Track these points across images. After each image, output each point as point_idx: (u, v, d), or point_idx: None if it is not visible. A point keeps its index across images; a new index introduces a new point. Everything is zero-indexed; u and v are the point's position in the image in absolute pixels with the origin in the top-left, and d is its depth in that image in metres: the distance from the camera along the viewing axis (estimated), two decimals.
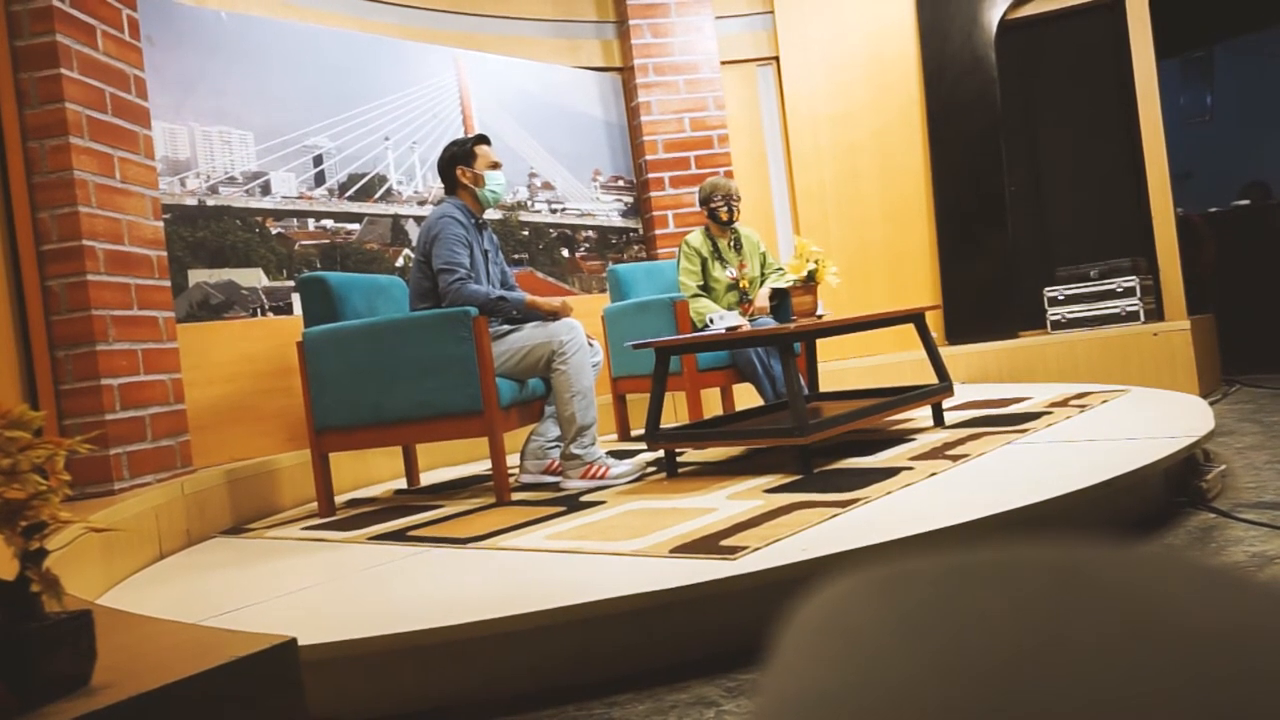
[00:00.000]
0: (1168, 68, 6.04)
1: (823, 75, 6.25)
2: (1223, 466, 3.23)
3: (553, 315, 3.61)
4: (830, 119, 6.24)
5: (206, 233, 4.15)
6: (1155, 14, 5.79)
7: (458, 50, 5.34)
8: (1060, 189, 6.28)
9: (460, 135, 5.14)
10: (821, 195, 6.24)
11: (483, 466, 4.40)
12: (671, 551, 2.26)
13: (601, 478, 3.48)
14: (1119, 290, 5.56)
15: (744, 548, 2.18)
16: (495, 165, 3.77)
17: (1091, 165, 6.18)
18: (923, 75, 6.17)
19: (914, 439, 3.62)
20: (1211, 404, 4.16)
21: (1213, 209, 6.93)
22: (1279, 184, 6.79)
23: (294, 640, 1.18)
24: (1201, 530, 2.67)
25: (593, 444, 3.53)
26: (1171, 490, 2.92)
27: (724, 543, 2.26)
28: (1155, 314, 5.66)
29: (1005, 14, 6.04)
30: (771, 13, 6.29)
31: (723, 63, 6.21)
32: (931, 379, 3.94)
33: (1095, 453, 2.91)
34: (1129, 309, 5.53)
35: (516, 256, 5.47)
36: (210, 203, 4.18)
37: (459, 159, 3.73)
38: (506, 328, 3.62)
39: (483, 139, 3.80)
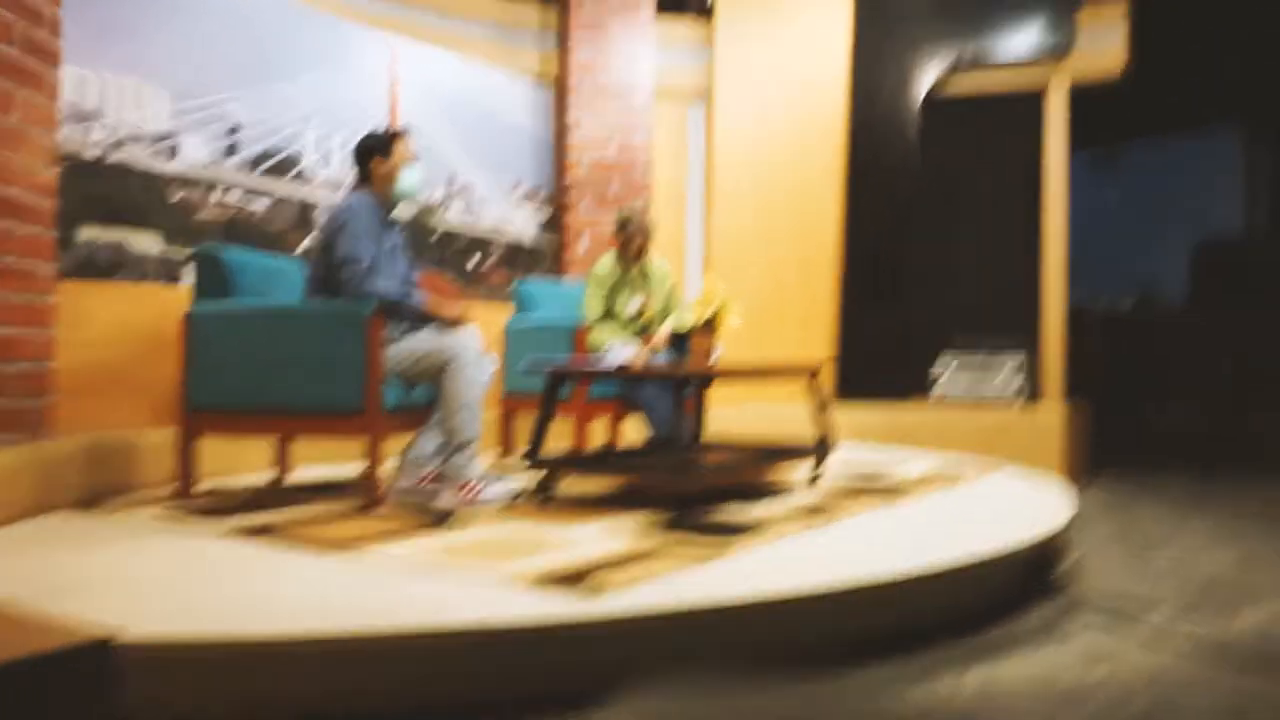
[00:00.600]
0: (1077, 160, 6.30)
1: (752, 118, 6.33)
2: (1077, 557, 3.36)
3: (452, 323, 3.56)
4: (754, 162, 6.32)
5: (105, 189, 3.99)
6: (1072, 109, 6.04)
7: (394, 37, 5.26)
8: (963, 262, 6.47)
9: (382, 125, 5.06)
10: (737, 236, 6.31)
11: (357, 468, 4.31)
12: (532, 583, 2.24)
13: (476, 496, 3.44)
14: (1004, 370, 5.75)
15: (607, 587, 2.18)
16: (411, 160, 3.71)
17: (995, 244, 6.38)
18: (849, 132, 6.31)
19: (789, 494, 3.66)
20: (1077, 490, 4.32)
21: (1101, 304, 7.23)
22: (1169, 282, 7.14)
23: (107, 642, 1.13)
24: (1047, 620, 2.76)
25: (472, 460, 3.49)
26: (1026, 577, 3.01)
27: (588, 580, 2.25)
28: (1035, 397, 5.87)
29: (933, 89, 6.23)
30: (710, 48, 6.35)
31: (657, 91, 6.24)
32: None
33: (959, 530, 2.99)
34: (1011, 388, 5.72)
35: (425, 257, 5.40)
36: (112, 158, 4.02)
37: (376, 149, 3.66)
38: (403, 329, 3.56)
39: (403, 132, 3.74)
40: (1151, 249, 7.25)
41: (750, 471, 3.57)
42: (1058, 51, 6.06)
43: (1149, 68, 6.13)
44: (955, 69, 6.23)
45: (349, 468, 4.42)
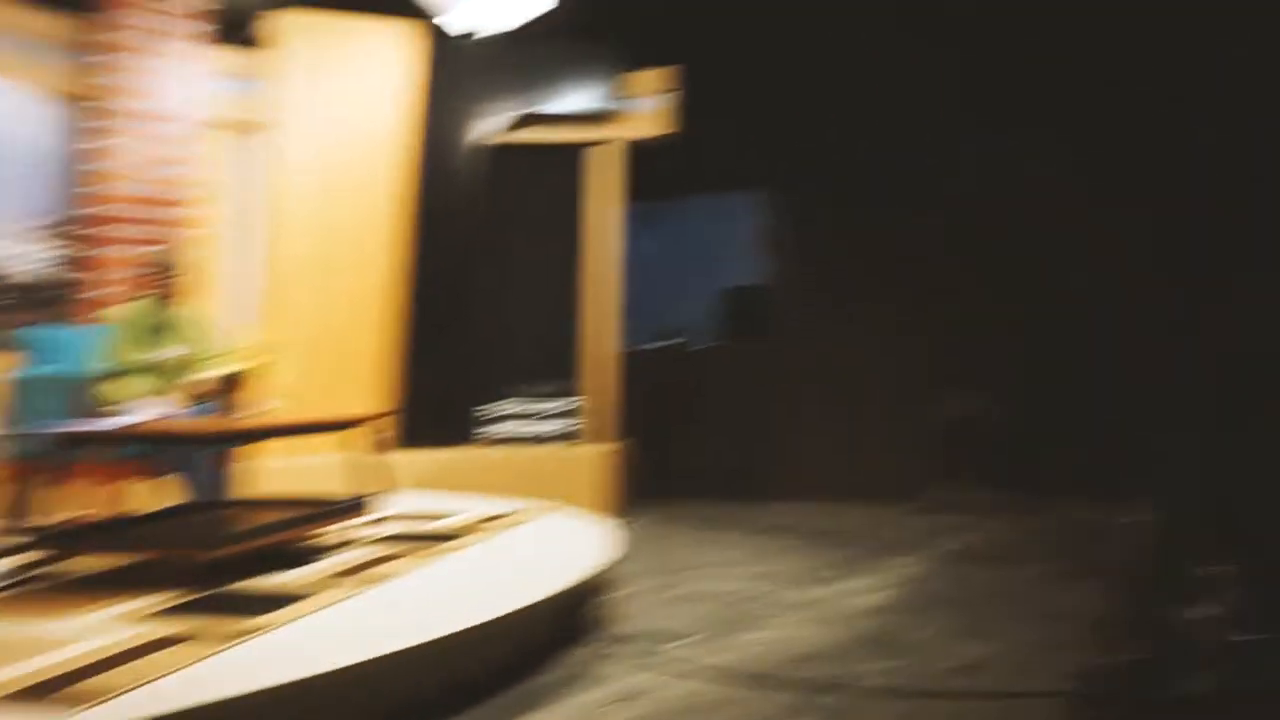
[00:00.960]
0: (628, 212, 6.76)
1: (313, 154, 6.03)
2: (614, 595, 3.55)
3: None
4: (312, 201, 6.05)
5: None
6: (627, 164, 6.50)
7: None
8: (520, 307, 6.68)
9: None
10: (294, 278, 5.98)
11: None
12: (3, 699, 1.95)
13: None
14: (555, 411, 6.02)
15: (92, 696, 1.94)
16: None
17: (551, 290, 6.66)
18: (415, 175, 6.25)
19: (332, 554, 3.53)
20: (620, 525, 4.58)
21: (645, 346, 7.82)
22: (695, 326, 7.96)
23: None
24: (582, 664, 2.88)
25: None
26: (565, 620, 3.12)
27: (72, 688, 2.00)
28: (583, 436, 6.19)
29: (498, 135, 6.41)
30: (268, 79, 6.02)
31: (207, 121, 5.79)
32: (371, 486, 3.90)
33: (501, 581, 3.05)
34: (563, 430, 5.99)
35: None
36: None
37: None
38: None
39: None
40: (685, 295, 8.02)
41: (288, 533, 3.39)
42: (605, 113, 6.48)
43: (693, 136, 6.76)
44: (517, 122, 6.46)
45: None
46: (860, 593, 3.94)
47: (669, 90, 6.56)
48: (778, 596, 3.87)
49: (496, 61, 6.47)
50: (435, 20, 6.00)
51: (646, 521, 5.93)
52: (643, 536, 5.38)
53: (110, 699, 1.95)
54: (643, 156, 6.74)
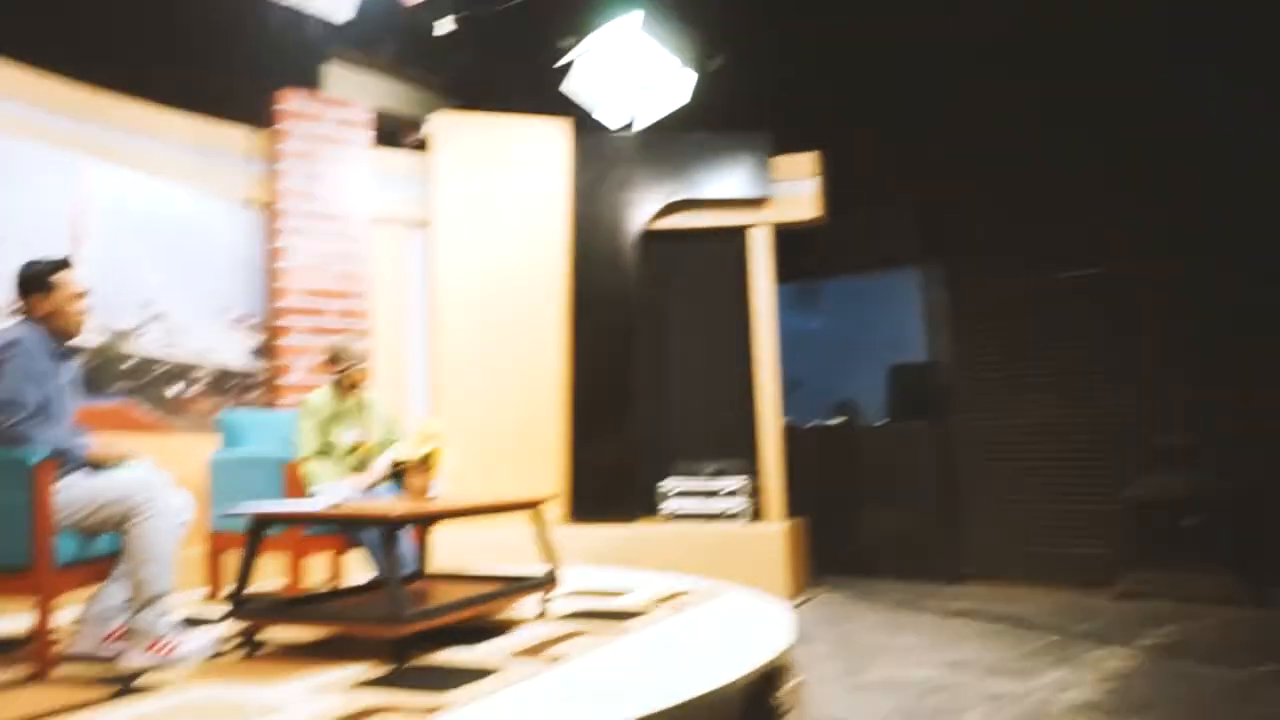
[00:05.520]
0: (783, 291, 6.74)
1: (474, 248, 6.33)
2: (799, 679, 3.41)
3: (116, 463, 3.24)
4: (477, 292, 6.30)
5: None
6: (778, 245, 6.52)
7: (79, 157, 4.87)
8: (685, 387, 6.70)
9: (64, 248, 4.64)
10: (462, 364, 6.22)
11: (27, 622, 3.79)
12: None
13: (169, 654, 3.09)
14: (726, 490, 5.94)
15: None
16: (78, 296, 3.36)
17: (713, 369, 6.67)
18: (571, 263, 6.44)
19: (517, 630, 3.54)
20: (798, 606, 4.46)
21: (813, 422, 7.68)
22: (864, 404, 7.75)
23: None
24: None
25: (163, 615, 3.14)
26: (748, 706, 3.02)
27: None
28: (757, 514, 6.08)
29: (648, 222, 6.52)
30: (428, 178, 6.35)
31: (375, 219, 6.14)
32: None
33: (684, 663, 2.98)
34: (734, 508, 5.91)
35: (117, 386, 4.95)
36: None
37: (32, 285, 3.30)
38: (79, 476, 3.19)
39: (64, 264, 3.38)
40: (851, 373, 7.86)
41: (475, 609, 3.42)
42: (756, 197, 6.52)
43: (841, 215, 6.73)
44: (667, 207, 6.57)
45: (19, 621, 3.88)
46: (1060, 688, 3.67)
47: (817, 174, 6.57)
48: (971, 688, 3.65)
49: (647, 151, 6.63)
50: (590, 114, 6.20)
51: (823, 601, 5.75)
52: (822, 617, 5.21)
53: None
54: (796, 236, 6.75)
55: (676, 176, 6.60)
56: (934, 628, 4.92)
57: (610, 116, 6.18)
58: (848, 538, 7.09)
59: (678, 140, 6.62)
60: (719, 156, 6.61)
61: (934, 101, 6.84)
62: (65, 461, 3.14)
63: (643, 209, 6.54)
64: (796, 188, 6.58)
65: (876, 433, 7.51)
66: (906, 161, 7.02)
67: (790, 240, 6.71)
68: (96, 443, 3.28)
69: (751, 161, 6.58)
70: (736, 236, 6.64)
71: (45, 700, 2.61)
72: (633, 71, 6.09)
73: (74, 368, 3.45)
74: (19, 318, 3.33)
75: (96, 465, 3.22)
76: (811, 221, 6.59)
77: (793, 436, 6.73)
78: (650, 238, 6.58)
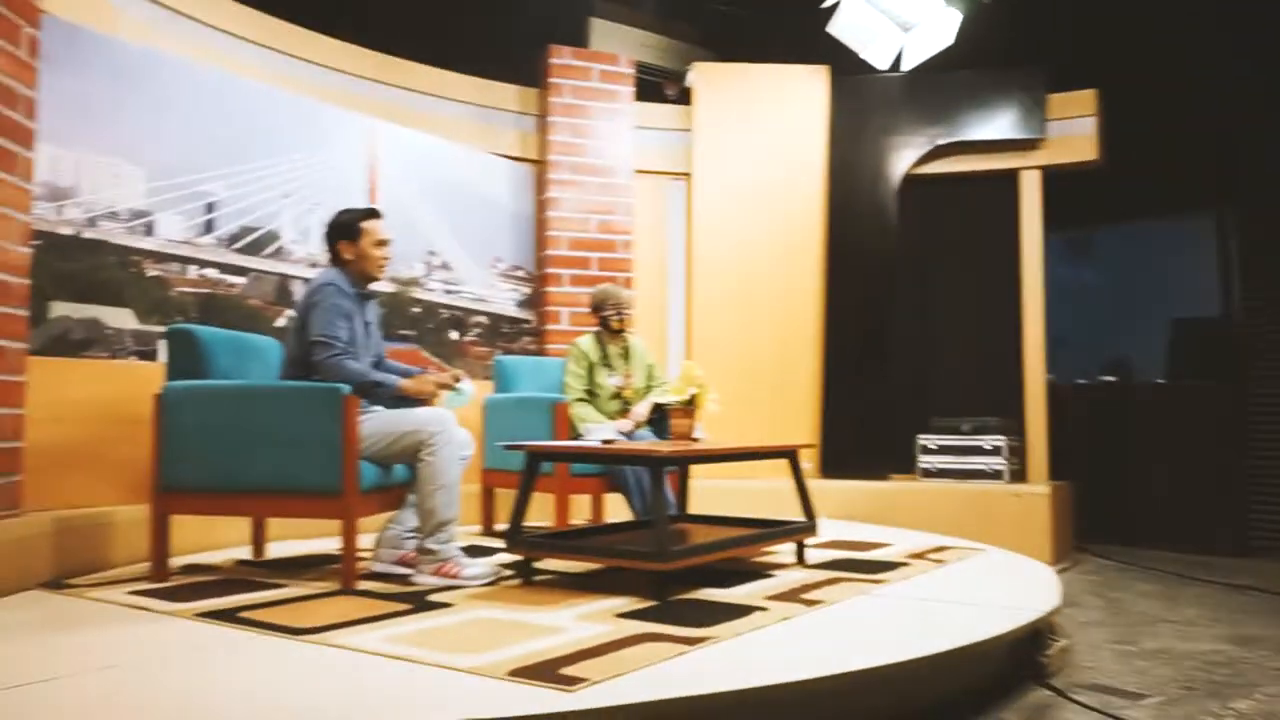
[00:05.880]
0: (1053, 240, 6.37)
1: (732, 198, 6.39)
2: (1064, 642, 3.29)
3: (421, 402, 3.52)
4: (734, 241, 6.36)
5: (78, 265, 3.95)
6: (1046, 192, 6.15)
7: (374, 120, 5.29)
8: (944, 340, 6.50)
9: (362, 203, 5.06)
10: (718, 314, 6.32)
11: (334, 544, 4.22)
12: (509, 674, 2.17)
13: (454, 577, 3.36)
14: (987, 448, 5.74)
15: (583, 680, 2.11)
16: (383, 243, 3.67)
17: (975, 322, 6.42)
18: (827, 213, 6.37)
19: (774, 575, 3.60)
20: (1061, 571, 4.28)
21: (1081, 380, 7.25)
22: (1139, 364, 7.19)
23: None
24: (1036, 708, 2.69)
25: (450, 540, 3.42)
26: (1013, 662, 2.95)
27: (564, 670, 2.18)
28: (1019, 475, 5.85)
29: (911, 167, 6.31)
30: (689, 130, 6.44)
31: (637, 171, 6.31)
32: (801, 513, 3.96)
33: (944, 617, 2.94)
34: (995, 467, 5.71)
35: (404, 332, 5.37)
36: (87, 235, 3.99)
37: (343, 232, 3.63)
38: (378, 409, 3.51)
39: (373, 213, 3.70)
40: (1126, 329, 7.30)
41: (737, 550, 3.51)
42: (1029, 139, 6.17)
43: (1121, 158, 6.25)
44: (931, 152, 6.33)
45: (325, 544, 4.33)
46: None
47: (1096, 112, 6.11)
48: (1262, 665, 3.38)
49: (910, 94, 6.39)
50: (853, 58, 6.05)
51: (1093, 568, 5.49)
52: (1090, 584, 4.97)
53: (603, 682, 2.11)
54: (1079, 181, 6.33)
55: (942, 119, 6.34)
56: (1216, 601, 4.58)
57: (876, 58, 6.00)
58: (1117, 503, 6.69)
59: (944, 80, 6.33)
60: (988, 96, 6.28)
61: (1230, 25, 6.19)
62: (371, 395, 3.46)
63: (904, 155, 6.34)
64: (1072, 127, 6.14)
65: (1154, 392, 7.00)
66: (1198, 95, 6.41)
67: (1063, 185, 6.30)
68: (404, 380, 3.56)
69: (1024, 100, 6.21)
70: (1005, 181, 6.31)
71: (354, 609, 2.92)
72: (899, 11, 5.89)
73: (376, 309, 3.79)
74: (327, 266, 3.69)
75: (405, 399, 3.51)
76: (1088, 164, 6.15)
77: (1058, 395, 6.40)
78: (911, 184, 6.36)
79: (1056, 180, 6.24)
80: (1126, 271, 7.39)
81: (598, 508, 5.02)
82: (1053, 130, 6.18)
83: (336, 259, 3.64)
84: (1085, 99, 6.16)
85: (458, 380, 3.62)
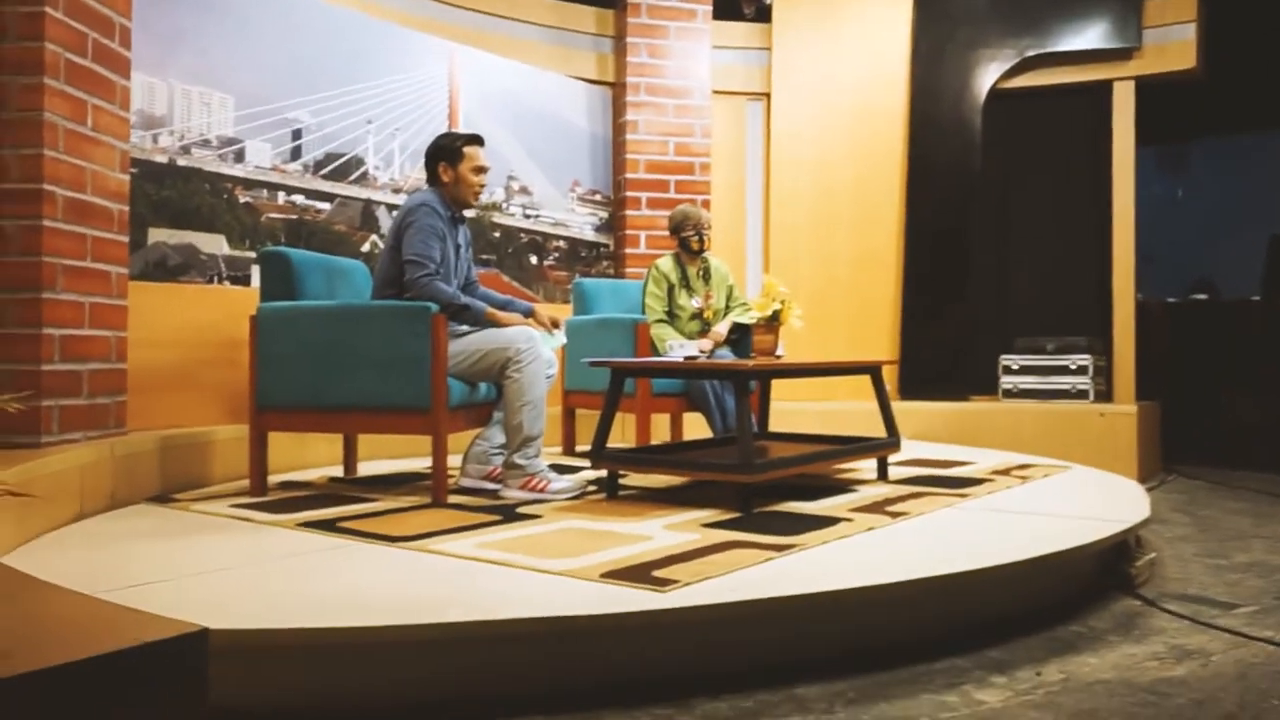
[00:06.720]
0: (1143, 155, 6.16)
1: (811, 117, 6.30)
2: (1152, 555, 3.27)
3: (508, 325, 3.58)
4: (812, 161, 6.28)
5: (173, 192, 4.07)
6: (1139, 103, 5.92)
7: (453, 44, 5.30)
8: (1027, 259, 6.37)
9: (444, 128, 5.11)
10: (795, 235, 6.27)
11: (422, 463, 4.34)
12: (602, 576, 2.23)
13: (541, 491, 3.45)
14: (1073, 367, 5.64)
15: (675, 581, 2.16)
16: (481, 169, 3.70)
17: (1060, 240, 6.27)
18: (908, 131, 6.24)
19: (856, 490, 3.62)
20: (1148, 490, 4.22)
21: (1170, 299, 7.06)
22: (1229, 282, 6.95)
23: (204, 631, 1.14)
24: (1126, 616, 2.69)
25: (537, 456, 3.50)
26: (1101, 573, 2.94)
27: (656, 573, 2.24)
28: (1105, 395, 5.75)
29: (996, 82, 6.12)
30: (768, 49, 6.34)
31: (714, 92, 6.23)
32: (881, 431, 3.96)
33: (1030, 527, 2.93)
34: (1080, 386, 5.61)
35: (484, 257, 5.44)
36: (181, 162, 4.10)
37: (444, 155, 3.67)
38: (465, 328, 3.58)
39: (475, 139, 3.73)
40: (1219, 246, 7.05)
41: (816, 467, 3.53)
42: (1123, 48, 5.93)
43: (1220, 67, 5.96)
44: (1018, 65, 6.12)
45: (415, 462, 4.47)
46: None
47: (1195, 18, 5.82)
48: None
49: (998, 5, 6.16)
50: None
51: (1181, 486, 5.40)
52: (1177, 501, 4.90)
53: (695, 584, 2.16)
54: (1164, 92, 6.08)
55: (1031, 30, 6.11)
56: None
57: None
58: (1206, 424, 6.53)
59: None
60: (1080, 3, 6.04)
61: None
62: (460, 317, 3.53)
63: (990, 68, 6.15)
64: (1170, 34, 5.86)
65: (1248, 310, 6.78)
66: None
67: (1157, 96, 6.06)
68: (498, 312, 3.63)
69: (1118, 7, 5.96)
70: (1096, 93, 6.08)
71: (446, 520, 3.01)
72: None
73: (467, 234, 3.85)
74: (423, 188, 3.74)
75: (490, 324, 3.57)
76: (1185, 74, 5.90)
77: (1147, 313, 6.24)
78: (997, 98, 6.18)
79: (1150, 90, 6.01)
80: (1222, 186, 7.12)
81: (677, 428, 5.07)
82: (1149, 38, 5.92)
83: (434, 180, 3.69)
84: (1185, 3, 5.87)
85: (556, 325, 3.68)
